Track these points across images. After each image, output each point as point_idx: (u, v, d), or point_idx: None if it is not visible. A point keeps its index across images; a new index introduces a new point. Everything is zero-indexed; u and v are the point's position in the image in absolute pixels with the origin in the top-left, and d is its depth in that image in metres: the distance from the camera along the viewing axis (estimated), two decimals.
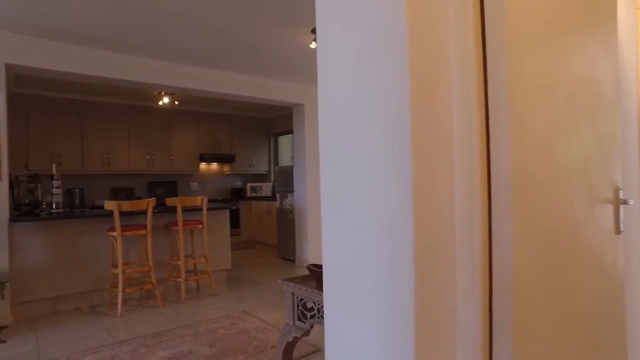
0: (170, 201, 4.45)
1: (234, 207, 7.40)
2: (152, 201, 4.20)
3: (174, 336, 3.34)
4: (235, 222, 7.40)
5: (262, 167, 8.31)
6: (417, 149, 0.85)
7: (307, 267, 1.96)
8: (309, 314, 1.84)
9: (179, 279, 4.31)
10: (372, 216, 0.89)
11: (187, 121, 7.31)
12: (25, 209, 4.16)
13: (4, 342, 3.32)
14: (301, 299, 1.89)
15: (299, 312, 1.90)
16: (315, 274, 1.85)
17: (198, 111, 7.51)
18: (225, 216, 5.26)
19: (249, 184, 8.05)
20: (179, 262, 4.33)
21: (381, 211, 0.88)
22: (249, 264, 6.27)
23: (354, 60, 0.97)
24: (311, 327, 1.86)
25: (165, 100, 6.24)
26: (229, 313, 3.90)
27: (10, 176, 3.97)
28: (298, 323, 1.90)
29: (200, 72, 5.02)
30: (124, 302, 4.14)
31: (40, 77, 4.63)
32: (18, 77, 5.27)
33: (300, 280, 2.00)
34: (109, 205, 3.97)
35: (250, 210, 7.76)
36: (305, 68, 5.13)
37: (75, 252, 4.18)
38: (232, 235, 7.15)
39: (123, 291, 3.92)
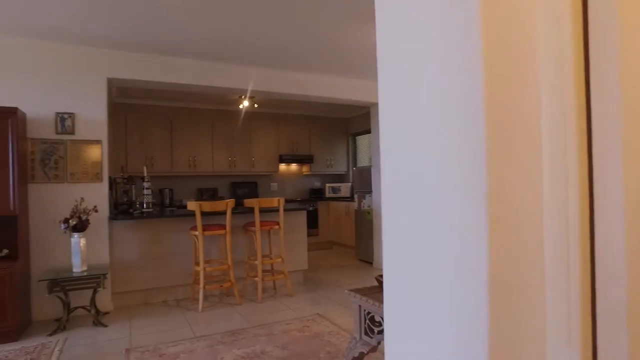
0: (248, 202, 4.58)
1: (312, 208, 7.46)
2: (231, 202, 4.34)
3: (248, 335, 3.40)
4: (313, 223, 7.45)
5: (340, 168, 8.28)
6: (493, 156, 0.69)
7: (376, 279, 1.84)
8: (377, 329, 1.72)
9: (256, 279, 4.41)
10: (436, 236, 0.76)
11: (266, 123, 7.52)
12: (122, 208, 4.56)
13: (105, 326, 3.66)
14: (368, 312, 1.77)
15: (365, 326, 1.78)
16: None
17: (277, 113, 7.69)
18: (302, 217, 5.30)
19: (327, 185, 8.06)
20: (256, 262, 4.44)
21: (446, 230, 0.74)
22: (326, 265, 6.26)
23: (417, 50, 0.83)
24: (378, 343, 1.74)
25: (246, 103, 6.46)
26: (303, 315, 3.89)
27: (109, 178, 4.37)
28: (365, 338, 1.79)
29: (277, 75, 5.11)
30: (205, 298, 4.34)
31: (136, 87, 5.05)
32: (120, 89, 5.82)
33: (369, 291, 1.88)
34: (192, 205, 4.19)
35: (329, 210, 7.76)
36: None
37: (163, 248, 4.47)
38: (309, 235, 7.21)
39: (204, 288, 4.11)
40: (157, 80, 4.49)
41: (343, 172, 8.42)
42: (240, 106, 6.67)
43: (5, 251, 3.62)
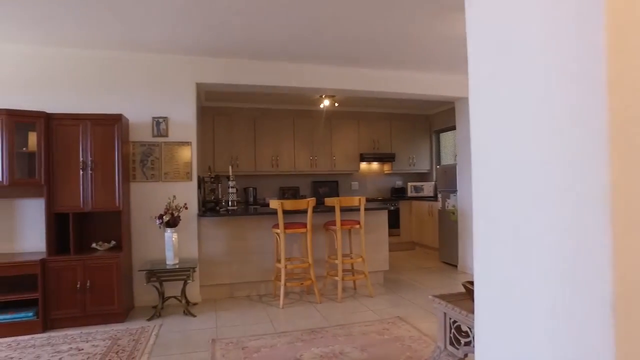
0: (329, 201, 4.56)
1: (393, 207, 7.26)
2: (312, 201, 4.36)
3: (327, 334, 3.37)
4: (394, 223, 7.26)
5: (423, 166, 7.96)
6: (617, 153, 0.54)
7: (464, 285, 1.67)
8: (463, 340, 1.56)
9: (336, 278, 4.38)
10: (540, 241, 0.62)
11: (347, 122, 7.48)
12: (209, 206, 4.81)
13: (194, 316, 3.88)
14: (454, 321, 1.61)
15: (451, 335, 1.63)
16: (473, 294, 1.56)
17: (357, 111, 7.62)
18: (383, 217, 5.16)
19: (410, 184, 7.80)
20: (336, 261, 4.41)
21: (560, 231, 0.60)
22: (408, 266, 6.04)
23: (514, 37, 0.70)
24: (465, 355, 1.58)
25: (326, 102, 6.49)
26: (383, 317, 3.77)
27: (198, 177, 4.64)
28: (450, 348, 1.64)
29: (357, 73, 5.03)
30: (286, 294, 4.40)
31: (222, 91, 5.32)
32: (208, 93, 6.18)
33: (455, 298, 1.72)
34: (274, 204, 4.28)
35: (411, 210, 7.50)
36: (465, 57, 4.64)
37: (246, 245, 4.64)
38: (391, 235, 7.01)
39: (285, 285, 4.18)
40: (240, 83, 4.67)
41: (426, 171, 8.08)
42: (321, 105, 6.72)
43: (113, 242, 4.02)
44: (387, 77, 5.14)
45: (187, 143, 4.45)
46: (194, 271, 4.03)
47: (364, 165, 7.81)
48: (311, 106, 7.09)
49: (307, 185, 7.59)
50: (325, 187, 7.62)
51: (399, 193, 7.92)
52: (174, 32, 3.80)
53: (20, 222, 3.97)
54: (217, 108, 6.88)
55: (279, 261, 4.31)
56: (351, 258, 4.69)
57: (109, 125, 3.85)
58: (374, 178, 8.00)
